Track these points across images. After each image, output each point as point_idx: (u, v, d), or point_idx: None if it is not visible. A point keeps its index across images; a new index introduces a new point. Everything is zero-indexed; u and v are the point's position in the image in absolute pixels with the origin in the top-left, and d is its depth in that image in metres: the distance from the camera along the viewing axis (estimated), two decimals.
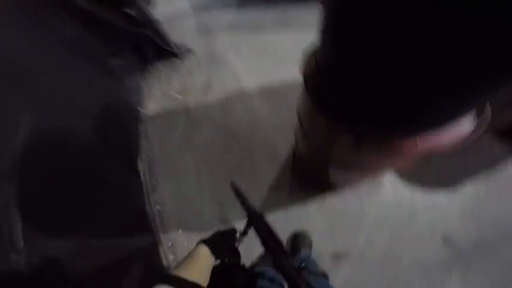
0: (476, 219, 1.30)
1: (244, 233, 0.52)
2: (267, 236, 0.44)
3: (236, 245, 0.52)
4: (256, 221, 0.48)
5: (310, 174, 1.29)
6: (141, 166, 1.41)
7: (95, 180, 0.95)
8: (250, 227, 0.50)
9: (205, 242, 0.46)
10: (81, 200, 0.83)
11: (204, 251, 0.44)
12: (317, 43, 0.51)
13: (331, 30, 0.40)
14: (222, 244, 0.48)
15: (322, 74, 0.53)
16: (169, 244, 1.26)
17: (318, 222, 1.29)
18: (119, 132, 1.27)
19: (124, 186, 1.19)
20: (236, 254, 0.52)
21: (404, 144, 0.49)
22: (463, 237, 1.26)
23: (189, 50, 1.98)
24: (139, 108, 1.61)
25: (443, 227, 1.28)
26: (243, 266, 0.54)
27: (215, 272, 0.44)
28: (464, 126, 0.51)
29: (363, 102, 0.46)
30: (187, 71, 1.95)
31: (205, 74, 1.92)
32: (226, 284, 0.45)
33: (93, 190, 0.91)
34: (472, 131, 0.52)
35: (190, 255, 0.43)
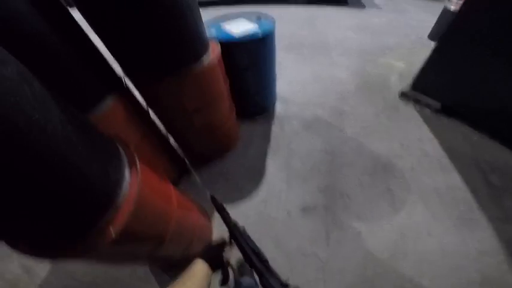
0: None
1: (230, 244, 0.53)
2: (249, 251, 0.45)
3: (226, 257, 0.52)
4: (238, 236, 0.49)
5: (206, 152, 1.64)
6: None
7: None
8: (232, 242, 0.52)
9: (201, 257, 0.46)
10: None
11: (203, 267, 0.44)
12: None
13: None
14: (218, 257, 0.49)
15: None
16: None
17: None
18: None
19: None
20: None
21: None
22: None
23: None
24: None
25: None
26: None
27: None
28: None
29: None
30: None
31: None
32: None
33: None
34: None
35: (188, 271, 0.43)
